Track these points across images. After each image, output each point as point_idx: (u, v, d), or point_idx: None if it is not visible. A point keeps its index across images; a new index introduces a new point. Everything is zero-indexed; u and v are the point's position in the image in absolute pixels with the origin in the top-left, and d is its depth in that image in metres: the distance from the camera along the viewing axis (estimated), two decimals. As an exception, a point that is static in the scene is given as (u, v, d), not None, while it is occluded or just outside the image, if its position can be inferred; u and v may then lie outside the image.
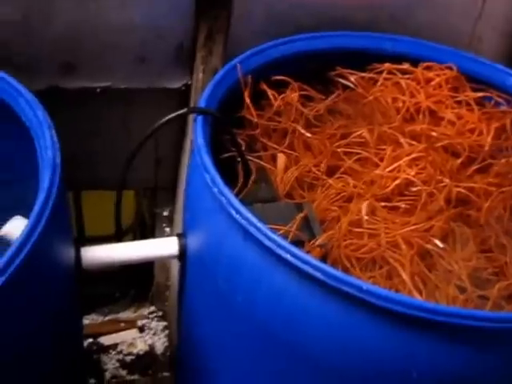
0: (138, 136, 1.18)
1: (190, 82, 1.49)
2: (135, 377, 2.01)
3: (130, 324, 2.10)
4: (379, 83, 1.38)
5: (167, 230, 1.81)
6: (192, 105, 1.47)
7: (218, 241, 1.10)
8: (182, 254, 1.21)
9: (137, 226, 2.04)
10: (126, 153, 1.18)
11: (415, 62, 1.40)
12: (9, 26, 1.36)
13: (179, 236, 1.23)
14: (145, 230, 1.97)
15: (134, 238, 2.08)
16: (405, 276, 1.07)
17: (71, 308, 1.23)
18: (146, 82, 1.50)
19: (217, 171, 1.06)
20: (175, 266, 1.77)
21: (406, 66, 1.39)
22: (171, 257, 1.22)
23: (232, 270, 1.07)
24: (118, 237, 1.23)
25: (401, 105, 1.34)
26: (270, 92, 1.30)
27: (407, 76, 1.38)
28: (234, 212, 1.02)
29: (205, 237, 1.14)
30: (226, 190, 1.04)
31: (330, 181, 1.22)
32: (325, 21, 1.49)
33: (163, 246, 1.22)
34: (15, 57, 1.39)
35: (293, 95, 1.32)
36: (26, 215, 1.09)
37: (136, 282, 2.06)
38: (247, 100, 1.27)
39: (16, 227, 1.09)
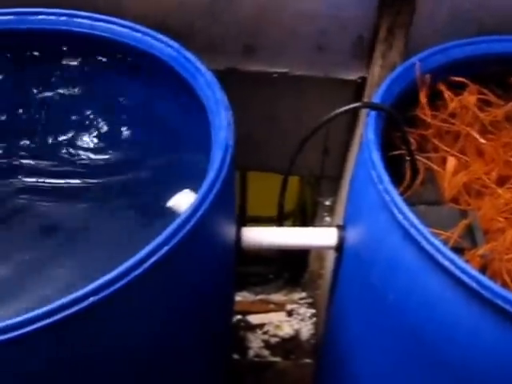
0: (308, 123, 1.19)
1: (365, 75, 1.49)
2: (277, 359, 2.03)
3: (280, 307, 2.12)
4: None
5: (327, 219, 1.82)
6: (366, 98, 1.46)
7: (376, 237, 1.09)
8: (340, 246, 1.22)
9: (297, 212, 2.07)
10: (296, 139, 1.19)
11: None
12: (196, 5, 1.40)
13: (339, 227, 1.23)
14: (305, 216, 1.99)
15: (294, 224, 2.11)
16: None
17: (226, 284, 1.26)
18: (322, 70, 1.50)
19: (384, 168, 1.06)
20: (331, 256, 1.78)
21: None
22: (329, 247, 1.23)
23: (388, 268, 1.06)
24: (280, 221, 1.25)
25: None
26: (446, 93, 1.28)
27: None
28: (396, 211, 1.01)
29: (364, 232, 1.14)
30: (391, 188, 1.03)
31: (500, 190, 1.18)
32: (507, 22, 1.44)
33: (322, 236, 1.22)
34: (199, 36, 1.43)
35: (470, 98, 1.28)
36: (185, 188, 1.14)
37: (290, 266, 2.08)
38: (423, 99, 1.25)
39: (184, 200, 1.12)
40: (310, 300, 2.10)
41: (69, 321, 0.86)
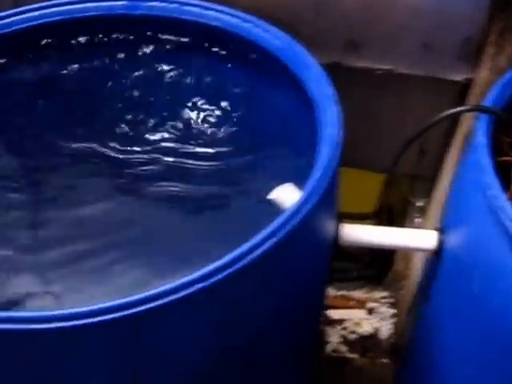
0: (410, 123, 1.18)
1: (471, 77, 1.46)
2: (355, 356, 2.02)
3: (361, 304, 2.11)
4: None
5: (418, 220, 1.79)
6: (471, 101, 1.43)
7: (480, 243, 1.07)
8: (439, 250, 1.20)
9: (382, 212, 2.04)
10: (395, 138, 1.18)
11: None
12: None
13: (439, 230, 1.21)
14: (391, 216, 1.97)
15: (380, 223, 2.08)
16: None
17: (322, 281, 1.26)
18: (426, 69, 1.49)
19: (494, 174, 1.03)
20: (418, 257, 1.75)
21: None
22: (427, 250, 1.21)
23: (491, 275, 1.04)
24: (379, 219, 1.24)
25: None
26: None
27: None
28: (504, 218, 0.99)
29: (466, 236, 1.12)
30: (500, 195, 1.01)
31: None
32: None
33: (422, 238, 1.21)
34: (305, 29, 1.43)
35: None
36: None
37: (375, 264, 2.07)
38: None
39: (285, 193, 1.12)
40: (391, 300, 2.08)
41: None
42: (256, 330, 1.04)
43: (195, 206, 1.23)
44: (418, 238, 1.21)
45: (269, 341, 1.11)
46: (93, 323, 0.84)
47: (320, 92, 1.14)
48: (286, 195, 1.11)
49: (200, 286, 0.88)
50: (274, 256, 0.94)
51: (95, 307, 0.84)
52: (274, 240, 0.92)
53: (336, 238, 1.18)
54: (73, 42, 1.32)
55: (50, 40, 1.31)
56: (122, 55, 1.33)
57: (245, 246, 0.91)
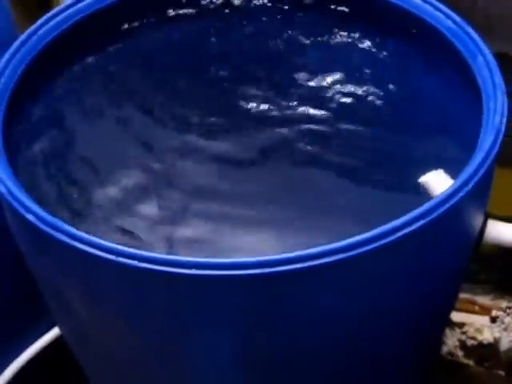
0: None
1: None
2: (470, 362, 1.97)
3: (485, 311, 2.05)
4: None
5: None
6: None
7: None
8: None
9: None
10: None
11: None
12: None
13: None
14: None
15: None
16: None
17: (458, 278, 1.23)
18: None
19: None
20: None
21: None
22: None
23: None
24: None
25: None
26: None
27: None
28: None
29: None
30: None
31: None
32: None
33: None
34: (478, 14, 1.38)
35: None
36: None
37: (507, 270, 2.00)
38: None
39: (438, 179, 1.09)
40: (518, 311, 2.01)
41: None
42: (385, 311, 1.02)
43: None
44: None
45: (395, 328, 1.08)
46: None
47: (489, 80, 1.09)
48: (438, 181, 1.08)
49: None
50: (420, 237, 0.92)
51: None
52: (421, 222, 0.90)
53: (482, 234, 1.14)
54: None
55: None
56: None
57: (392, 224, 0.89)
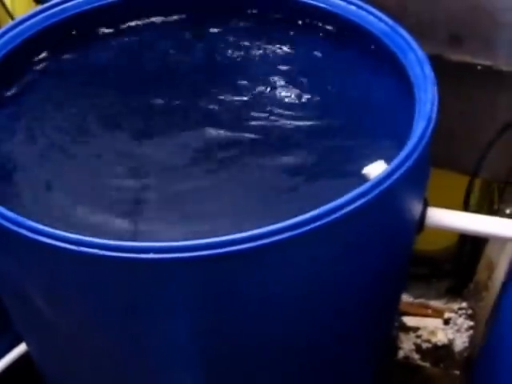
0: (503, 123, 1.16)
1: None
2: (426, 364, 2.00)
3: (437, 313, 2.08)
4: None
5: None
6: None
7: None
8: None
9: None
10: (485, 138, 1.17)
11: None
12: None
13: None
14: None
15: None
16: None
17: (402, 264, 1.26)
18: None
19: None
20: (501, 268, 1.73)
21: None
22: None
23: None
24: (465, 207, 1.24)
25: None
26: None
27: None
28: None
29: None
30: None
31: None
32: None
33: (506, 226, 1.20)
34: (408, 19, 1.43)
35: None
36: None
37: (457, 273, 2.04)
38: None
39: (378, 169, 1.13)
40: (469, 311, 2.05)
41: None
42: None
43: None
44: (503, 225, 1.20)
45: (344, 303, 1.13)
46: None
47: (420, 73, 1.15)
48: (379, 170, 1.12)
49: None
50: (361, 217, 0.97)
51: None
52: (362, 200, 0.95)
53: (423, 218, 1.19)
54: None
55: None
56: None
57: (331, 204, 0.94)
